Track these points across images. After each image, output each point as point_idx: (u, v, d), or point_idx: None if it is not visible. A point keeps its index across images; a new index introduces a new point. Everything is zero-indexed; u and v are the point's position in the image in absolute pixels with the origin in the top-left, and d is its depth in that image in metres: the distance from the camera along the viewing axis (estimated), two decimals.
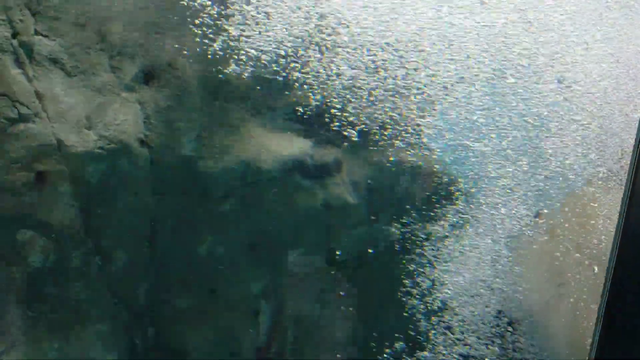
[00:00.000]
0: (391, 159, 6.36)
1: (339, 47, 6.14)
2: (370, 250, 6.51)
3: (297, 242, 6.41)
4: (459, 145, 6.29)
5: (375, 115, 6.24)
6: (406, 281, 6.44)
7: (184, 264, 6.17)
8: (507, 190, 6.30)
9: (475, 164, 6.31)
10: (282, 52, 6.07)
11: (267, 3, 6.04)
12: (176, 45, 6.02)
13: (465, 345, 6.34)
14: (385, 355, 6.46)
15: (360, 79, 6.18)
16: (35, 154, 5.54)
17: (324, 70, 6.16)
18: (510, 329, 6.28)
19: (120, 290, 6.00)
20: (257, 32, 6.04)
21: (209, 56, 5.98)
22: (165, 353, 6.24)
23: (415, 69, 6.19)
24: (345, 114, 6.26)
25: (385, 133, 6.34)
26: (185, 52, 6.02)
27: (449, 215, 6.36)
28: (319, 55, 6.13)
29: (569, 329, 5.89)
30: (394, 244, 6.51)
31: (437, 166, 6.39)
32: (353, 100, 6.23)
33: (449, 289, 6.35)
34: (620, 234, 1.62)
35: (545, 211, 6.24)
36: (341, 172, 6.50)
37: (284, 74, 6.16)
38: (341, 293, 6.54)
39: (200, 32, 5.97)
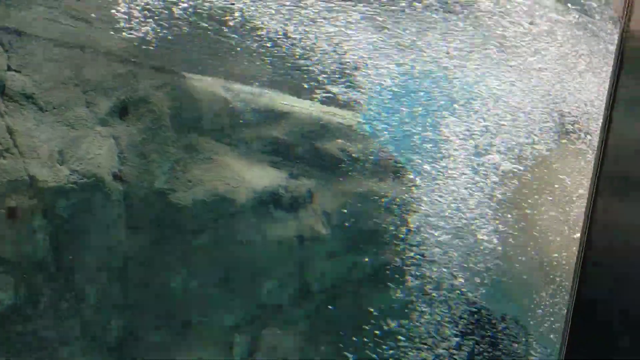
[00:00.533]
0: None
1: None
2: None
3: (271, 274, 6.42)
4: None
5: None
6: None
7: (158, 298, 6.13)
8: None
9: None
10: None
11: None
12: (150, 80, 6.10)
13: None
14: None
15: None
16: (6, 189, 5.50)
17: None
18: None
19: (92, 326, 5.92)
20: None
21: None
22: None
23: None
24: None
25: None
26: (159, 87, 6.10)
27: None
28: None
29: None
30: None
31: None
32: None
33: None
34: (586, 234, 1.71)
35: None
36: (313, 203, 6.56)
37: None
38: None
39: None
